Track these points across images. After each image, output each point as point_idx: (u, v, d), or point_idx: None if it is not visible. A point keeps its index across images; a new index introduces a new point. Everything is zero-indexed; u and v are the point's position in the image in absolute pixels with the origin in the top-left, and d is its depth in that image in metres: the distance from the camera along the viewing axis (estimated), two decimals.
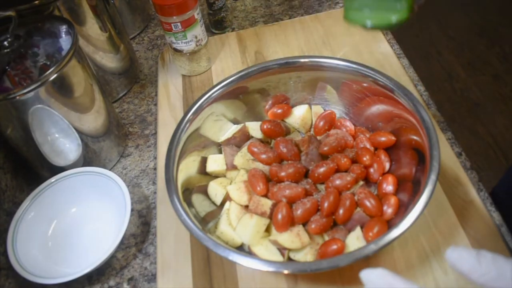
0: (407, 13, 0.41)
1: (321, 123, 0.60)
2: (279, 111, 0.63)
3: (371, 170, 0.54)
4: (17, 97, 0.52)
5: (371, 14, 0.44)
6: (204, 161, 0.59)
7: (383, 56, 0.75)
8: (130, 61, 0.80)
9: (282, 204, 0.50)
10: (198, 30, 0.73)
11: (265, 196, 0.53)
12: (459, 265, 0.31)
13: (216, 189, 0.57)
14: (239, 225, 0.51)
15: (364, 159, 0.54)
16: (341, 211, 0.50)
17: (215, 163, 0.59)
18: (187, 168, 0.55)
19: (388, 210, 0.50)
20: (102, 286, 0.56)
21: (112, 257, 0.58)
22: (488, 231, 0.52)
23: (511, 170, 0.77)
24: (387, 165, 0.55)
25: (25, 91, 0.52)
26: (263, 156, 0.56)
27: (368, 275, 0.32)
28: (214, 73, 0.79)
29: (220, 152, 0.61)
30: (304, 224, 0.51)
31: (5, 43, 0.56)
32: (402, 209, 0.49)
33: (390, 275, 0.31)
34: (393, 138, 0.55)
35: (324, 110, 0.63)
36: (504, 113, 1.79)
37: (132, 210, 0.61)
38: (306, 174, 0.55)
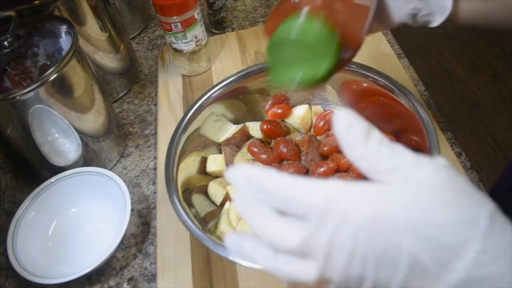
0: (332, 60, 0.37)
1: (321, 123, 0.60)
2: (279, 111, 0.63)
3: None
4: (17, 97, 0.52)
5: (297, 68, 0.40)
6: (204, 161, 0.59)
7: (383, 56, 0.75)
8: (130, 61, 0.80)
9: None
10: (198, 30, 0.73)
11: None
12: (344, 137, 0.26)
13: (216, 189, 0.57)
14: (239, 225, 0.51)
15: None
16: None
17: (215, 163, 0.59)
18: (187, 168, 0.55)
19: None
20: (102, 286, 0.56)
21: (112, 257, 0.58)
22: None
23: (508, 169, 0.77)
24: None
25: (25, 91, 0.52)
26: (263, 156, 0.56)
27: (229, 172, 0.28)
28: (214, 73, 0.79)
29: (220, 152, 0.61)
30: None
31: (5, 43, 0.56)
32: None
33: (250, 166, 0.27)
34: (393, 138, 0.55)
35: (324, 110, 0.63)
36: (504, 113, 1.79)
37: (132, 210, 0.61)
38: (306, 174, 0.55)
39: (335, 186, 0.25)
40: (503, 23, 0.45)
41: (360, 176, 0.53)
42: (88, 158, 0.64)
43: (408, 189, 0.24)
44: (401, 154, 0.26)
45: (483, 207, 0.24)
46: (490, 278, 0.23)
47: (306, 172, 0.55)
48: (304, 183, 0.25)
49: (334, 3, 0.38)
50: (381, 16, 0.45)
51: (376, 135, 0.26)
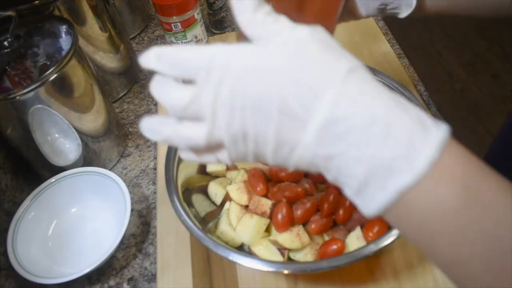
0: None
1: None
2: None
3: None
4: (17, 97, 0.52)
5: None
6: None
7: (383, 56, 0.75)
8: (130, 61, 0.80)
9: (282, 204, 0.50)
10: (198, 30, 0.73)
11: (265, 196, 0.53)
12: (236, 5, 0.29)
13: (216, 189, 0.57)
14: (239, 225, 0.51)
15: None
16: (341, 211, 0.50)
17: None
18: (187, 168, 0.55)
19: None
20: (102, 286, 0.56)
21: (112, 257, 0.58)
22: None
23: (491, 149, 0.77)
24: None
25: (25, 91, 0.52)
26: None
27: (141, 57, 0.31)
28: None
29: None
30: (304, 224, 0.51)
31: (5, 43, 0.56)
32: None
33: (157, 46, 0.30)
34: None
35: None
36: (504, 113, 1.79)
37: (132, 210, 0.61)
38: (306, 174, 0.55)
39: (219, 47, 0.27)
40: (468, 12, 0.48)
41: None
42: (88, 158, 0.64)
43: (282, 45, 0.27)
44: (284, 23, 0.28)
45: (347, 59, 0.27)
46: (349, 120, 0.25)
47: (306, 171, 0.55)
48: (195, 48, 0.28)
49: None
50: (350, 10, 0.48)
51: (265, 8, 0.29)
